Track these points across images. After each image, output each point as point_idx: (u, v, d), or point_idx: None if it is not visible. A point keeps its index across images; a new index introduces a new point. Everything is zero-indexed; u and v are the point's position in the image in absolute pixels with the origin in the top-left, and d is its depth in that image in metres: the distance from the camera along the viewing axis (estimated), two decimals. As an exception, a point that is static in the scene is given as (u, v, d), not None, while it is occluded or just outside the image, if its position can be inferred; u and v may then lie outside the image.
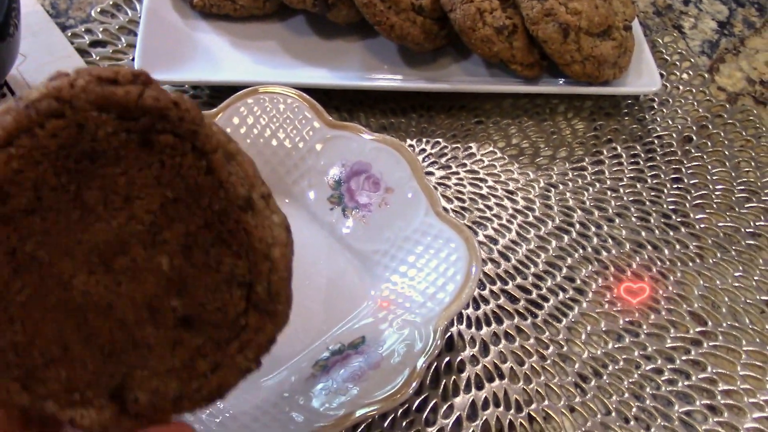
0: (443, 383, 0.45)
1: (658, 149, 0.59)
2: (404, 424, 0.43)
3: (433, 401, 0.44)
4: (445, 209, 0.51)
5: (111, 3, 0.63)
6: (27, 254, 0.22)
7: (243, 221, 0.24)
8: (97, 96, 0.21)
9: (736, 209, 0.56)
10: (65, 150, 0.21)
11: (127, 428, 0.25)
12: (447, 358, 0.46)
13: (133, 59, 0.58)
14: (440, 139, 0.58)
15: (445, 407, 0.44)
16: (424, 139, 0.57)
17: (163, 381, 0.25)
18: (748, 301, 0.51)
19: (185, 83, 0.57)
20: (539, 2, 0.54)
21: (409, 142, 0.57)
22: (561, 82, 0.58)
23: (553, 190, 0.56)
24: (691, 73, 0.65)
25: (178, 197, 0.23)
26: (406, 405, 0.44)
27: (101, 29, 0.61)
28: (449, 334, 0.47)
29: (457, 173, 0.56)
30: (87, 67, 0.22)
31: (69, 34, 0.59)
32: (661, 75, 0.63)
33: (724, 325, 0.49)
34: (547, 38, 0.54)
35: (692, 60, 0.66)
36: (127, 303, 0.23)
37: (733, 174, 0.58)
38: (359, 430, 0.43)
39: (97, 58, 0.59)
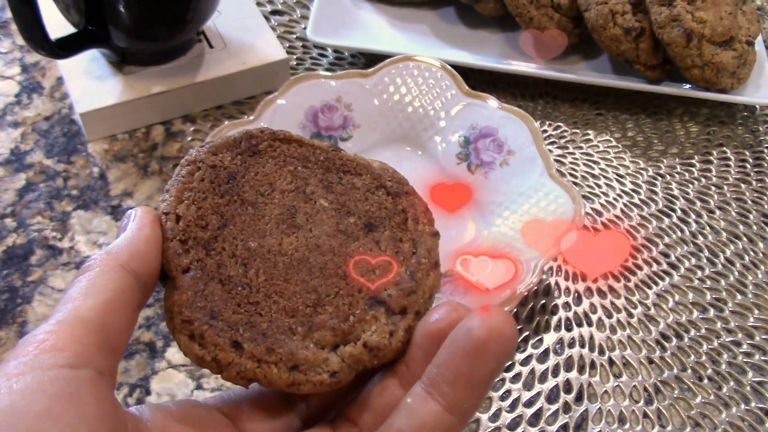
0: (536, 320, 0.51)
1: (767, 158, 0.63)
2: (498, 346, 0.50)
3: (526, 333, 0.51)
4: (559, 172, 0.57)
5: (290, -18, 0.73)
6: (243, 249, 0.30)
7: (343, 156, 0.33)
8: (209, 148, 0.32)
9: (837, 219, 0.59)
10: (215, 182, 0.31)
11: (411, 322, 0.29)
12: (543, 301, 0.52)
13: (305, 28, 0.68)
14: (561, 123, 0.64)
15: (535, 339, 0.50)
16: (547, 122, 0.64)
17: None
18: (835, 298, 0.54)
19: (346, 49, 0.66)
20: (668, 8, 0.60)
21: (532, 123, 0.64)
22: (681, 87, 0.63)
23: (660, 179, 0.61)
24: (810, 96, 0.68)
25: (297, 167, 0.32)
26: (502, 332, 0.50)
27: (281, 2, 0.71)
28: (547, 282, 0.53)
29: (573, 153, 0.62)
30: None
31: (254, 2, 0.70)
32: (781, 95, 0.67)
33: (808, 315, 0.53)
34: (671, 41, 0.60)
35: (814, 85, 0.69)
36: (326, 237, 0.31)
37: (838, 189, 0.61)
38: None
39: (276, 24, 0.69)
